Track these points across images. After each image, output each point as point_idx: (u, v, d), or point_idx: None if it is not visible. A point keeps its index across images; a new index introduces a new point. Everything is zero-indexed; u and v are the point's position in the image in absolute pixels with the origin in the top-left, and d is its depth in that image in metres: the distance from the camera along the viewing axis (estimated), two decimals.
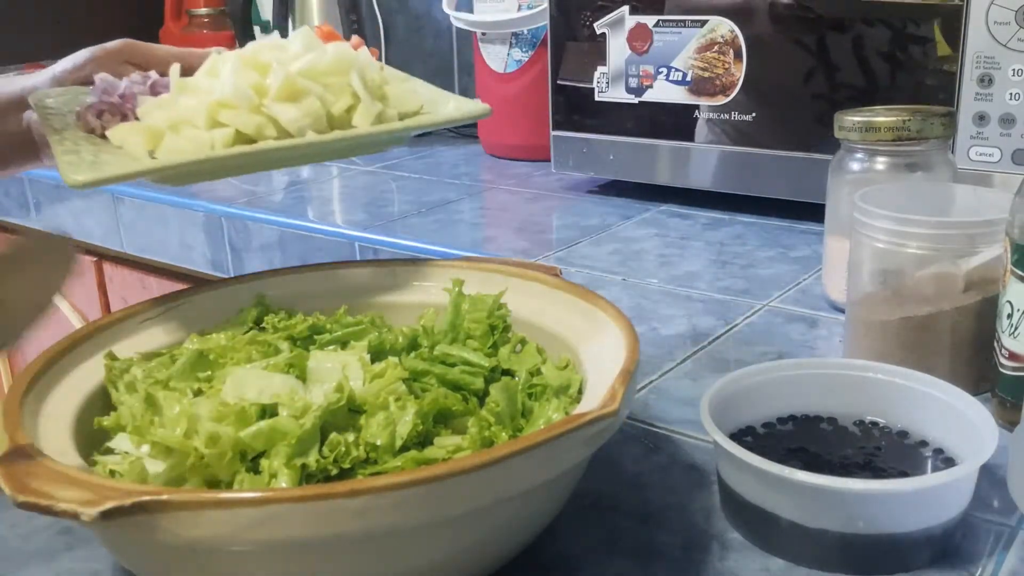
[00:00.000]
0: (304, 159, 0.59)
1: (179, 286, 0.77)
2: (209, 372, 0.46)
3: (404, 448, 0.40)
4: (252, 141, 0.51)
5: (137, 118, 0.55)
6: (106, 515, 0.31)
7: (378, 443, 0.39)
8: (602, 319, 0.46)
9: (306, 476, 0.38)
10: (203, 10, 1.73)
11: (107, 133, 0.55)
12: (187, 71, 0.57)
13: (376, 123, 0.54)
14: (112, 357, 0.47)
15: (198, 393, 0.43)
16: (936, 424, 0.46)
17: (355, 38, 0.62)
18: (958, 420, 0.44)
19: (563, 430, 0.35)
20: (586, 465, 0.42)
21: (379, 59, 0.61)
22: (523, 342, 0.50)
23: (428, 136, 1.36)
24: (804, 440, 0.47)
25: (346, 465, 0.38)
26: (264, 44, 0.56)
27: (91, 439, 0.42)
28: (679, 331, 0.65)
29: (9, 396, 0.40)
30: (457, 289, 0.51)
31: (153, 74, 0.61)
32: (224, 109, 0.51)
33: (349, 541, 0.34)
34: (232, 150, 0.50)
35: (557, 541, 0.43)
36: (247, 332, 0.50)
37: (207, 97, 0.52)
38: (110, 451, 0.42)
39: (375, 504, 0.32)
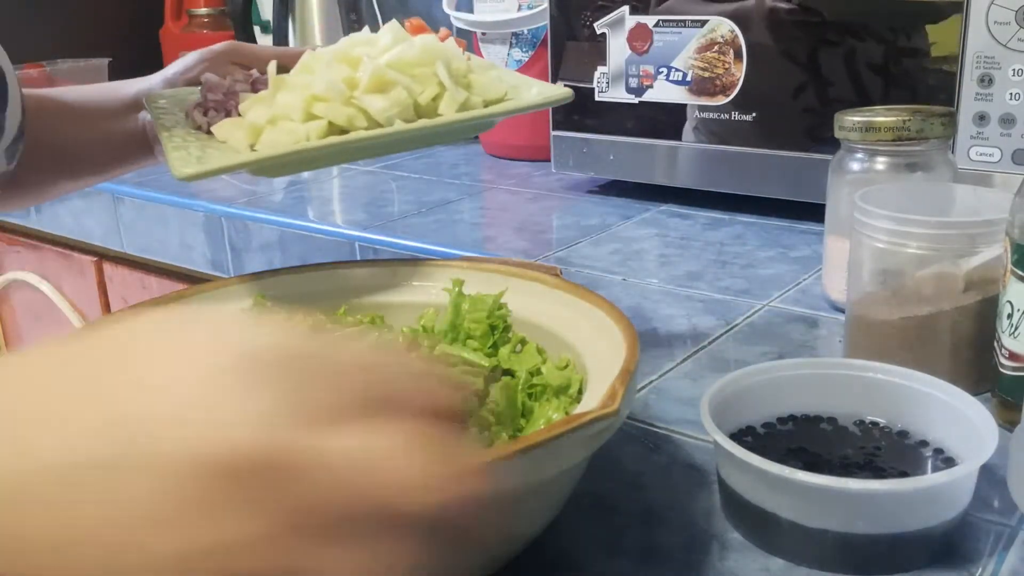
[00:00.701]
0: (394, 147, 0.61)
1: (179, 286, 0.77)
2: None
3: None
4: (346, 132, 0.54)
5: (240, 114, 0.59)
6: None
7: None
8: (602, 319, 0.46)
9: None
10: (203, 10, 1.73)
11: (212, 129, 0.58)
12: (285, 69, 0.60)
13: (461, 110, 0.56)
14: None
15: None
16: (936, 424, 0.46)
17: (443, 29, 0.65)
18: (958, 420, 0.44)
19: (563, 430, 0.35)
20: (586, 465, 0.42)
21: (466, 50, 0.62)
22: (523, 342, 0.50)
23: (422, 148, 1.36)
24: (804, 440, 0.47)
25: None
26: (356, 39, 0.58)
27: None
28: (679, 331, 0.65)
29: None
30: (457, 289, 0.51)
31: (255, 72, 0.65)
32: (318, 102, 0.54)
33: None
34: (325, 141, 0.53)
35: (558, 541, 0.43)
36: None
37: (302, 92, 0.54)
38: None
39: None
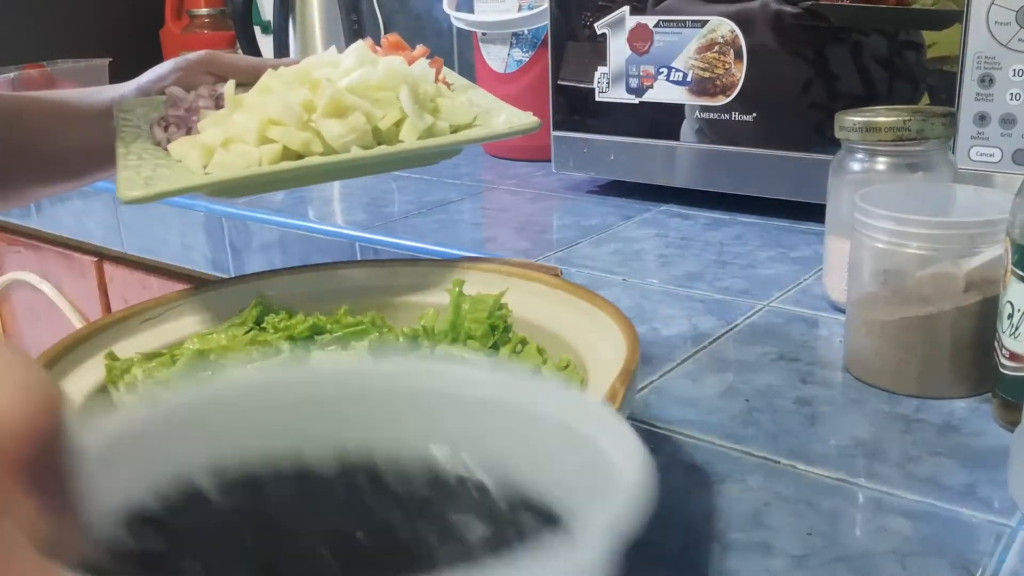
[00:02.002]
0: (351, 173, 0.59)
1: (179, 286, 0.77)
2: (209, 372, 0.46)
3: None
4: (300, 157, 0.52)
5: (199, 131, 0.57)
6: None
7: None
8: (602, 319, 0.46)
9: None
10: (203, 10, 1.73)
11: (169, 147, 0.56)
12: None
13: (426, 136, 0.54)
14: (113, 357, 0.47)
15: None
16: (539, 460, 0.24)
17: (420, 47, 0.63)
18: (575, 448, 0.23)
19: None
20: None
21: (441, 70, 0.61)
22: (524, 342, 0.50)
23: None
24: (257, 526, 0.24)
25: None
26: (318, 59, 0.57)
27: None
28: (679, 331, 0.65)
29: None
30: (457, 289, 0.51)
31: (219, 88, 0.62)
32: (273, 125, 0.52)
33: None
34: (277, 166, 0.51)
35: None
36: (248, 332, 0.50)
37: (259, 114, 0.53)
38: None
39: None
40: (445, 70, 0.65)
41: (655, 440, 0.51)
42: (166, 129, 0.59)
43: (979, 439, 0.50)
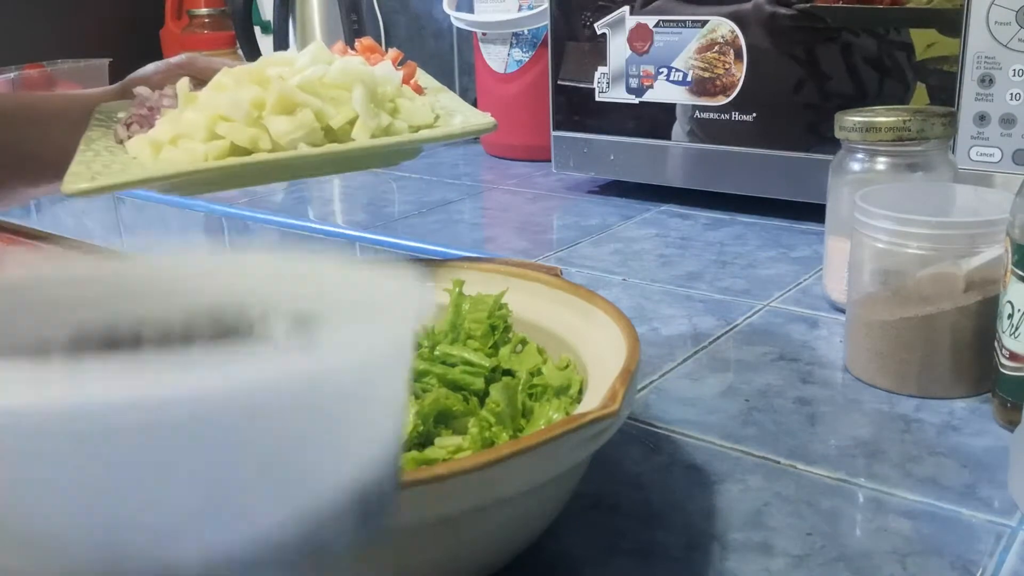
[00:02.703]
0: (300, 172, 0.59)
1: None
2: None
3: (404, 448, 0.40)
4: (250, 154, 0.52)
5: None
6: None
7: None
8: (603, 319, 0.46)
9: None
10: (203, 10, 1.73)
11: (126, 144, 0.57)
12: None
13: (380, 136, 0.54)
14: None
15: None
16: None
17: (393, 51, 0.64)
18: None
19: (563, 430, 0.35)
20: (587, 465, 0.42)
21: (414, 72, 0.61)
22: (524, 342, 0.50)
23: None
24: None
25: None
26: (272, 58, 0.57)
27: None
28: (679, 331, 0.65)
29: None
30: (457, 289, 0.51)
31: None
32: (222, 122, 0.52)
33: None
34: (222, 162, 0.51)
35: (558, 541, 0.43)
36: None
37: (209, 110, 0.53)
38: None
39: None
40: (420, 73, 0.65)
41: (655, 440, 0.51)
42: (128, 127, 0.59)
43: (979, 439, 0.50)
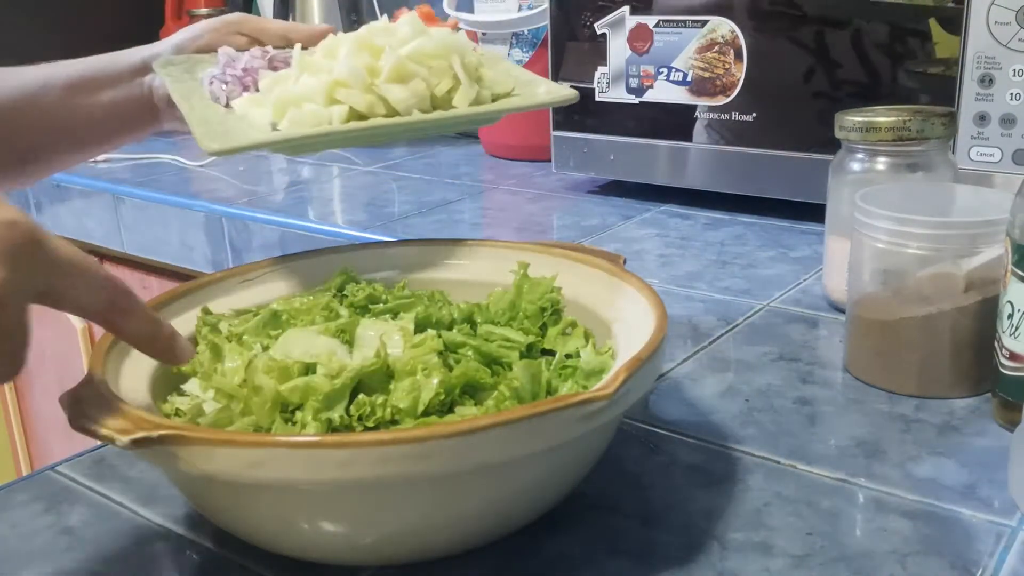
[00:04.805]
0: (408, 135, 0.63)
1: None
2: (280, 330, 0.49)
3: (427, 413, 0.42)
4: (364, 117, 0.56)
5: (258, 90, 0.61)
6: (136, 443, 0.35)
7: (401, 406, 0.41)
8: (644, 308, 0.47)
9: (332, 430, 0.41)
10: (203, 10, 1.73)
11: (232, 104, 0.61)
12: (291, 44, 0.63)
13: (473, 104, 0.58)
14: (207, 311, 0.51)
15: (266, 348, 0.47)
16: None
17: (451, 19, 0.66)
18: None
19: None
20: (610, 437, 0.44)
21: (477, 42, 0.63)
22: (573, 325, 0.52)
23: (430, 136, 1.36)
24: None
25: (370, 424, 0.41)
26: (376, 27, 0.60)
27: (173, 381, 0.47)
28: (679, 331, 0.65)
29: (104, 338, 0.44)
30: (523, 271, 0.53)
31: (271, 49, 0.67)
32: (340, 88, 0.56)
33: (341, 488, 0.36)
34: (347, 126, 0.55)
35: (558, 541, 0.43)
36: (329, 298, 0.53)
37: (326, 76, 0.56)
38: (183, 393, 0.46)
39: (359, 457, 0.34)
40: (477, 45, 0.67)
41: (655, 440, 0.51)
42: (226, 85, 0.62)
43: (979, 439, 0.50)
